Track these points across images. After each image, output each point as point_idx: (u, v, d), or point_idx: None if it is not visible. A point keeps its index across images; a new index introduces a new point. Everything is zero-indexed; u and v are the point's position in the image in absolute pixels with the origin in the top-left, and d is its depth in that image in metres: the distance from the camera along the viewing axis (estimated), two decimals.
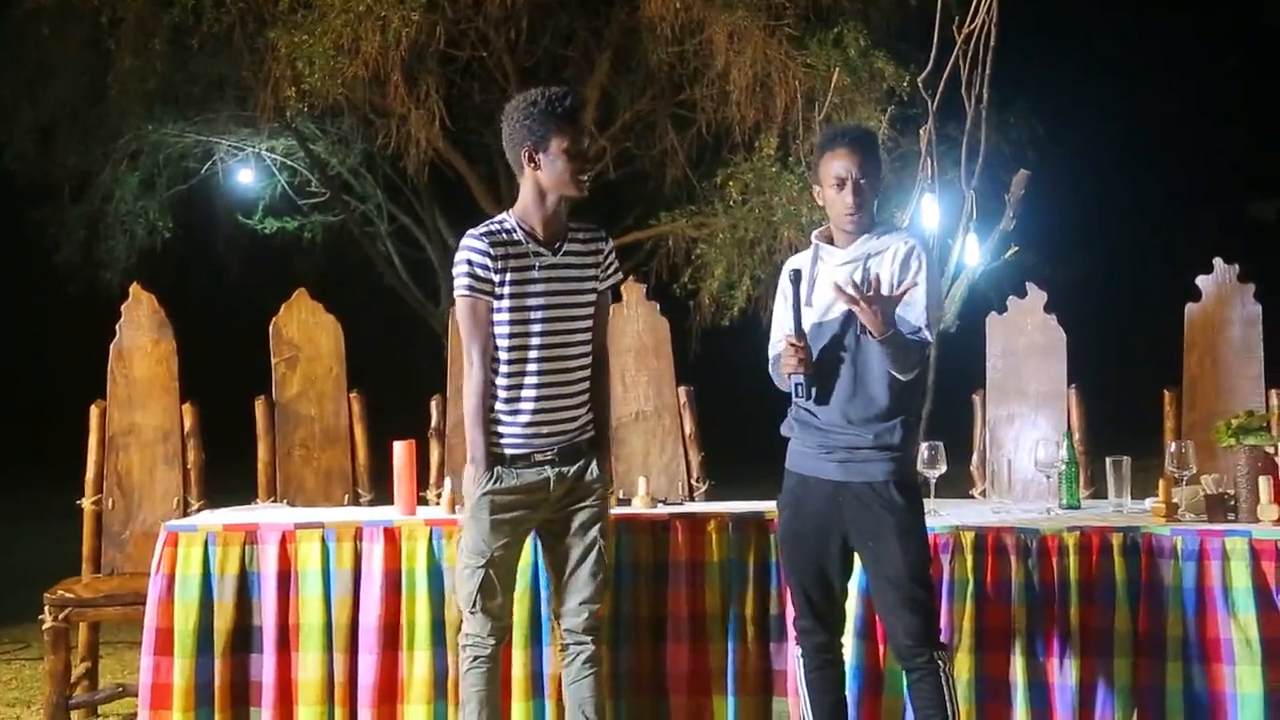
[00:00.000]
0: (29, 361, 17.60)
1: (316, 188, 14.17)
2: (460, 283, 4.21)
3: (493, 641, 4.28)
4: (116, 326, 5.74)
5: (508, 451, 4.25)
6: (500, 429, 4.25)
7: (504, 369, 4.23)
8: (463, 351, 4.27)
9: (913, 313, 4.09)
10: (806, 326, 4.16)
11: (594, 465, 4.33)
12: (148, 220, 13.69)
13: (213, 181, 13.94)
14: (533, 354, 4.23)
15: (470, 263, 4.19)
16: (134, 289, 5.81)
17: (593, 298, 4.33)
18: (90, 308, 10.44)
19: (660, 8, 11.27)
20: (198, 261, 15.25)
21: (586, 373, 4.33)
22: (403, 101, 11.80)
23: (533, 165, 4.22)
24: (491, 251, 4.19)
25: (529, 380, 4.23)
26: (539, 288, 4.22)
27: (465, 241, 4.23)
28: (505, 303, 4.20)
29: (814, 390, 4.12)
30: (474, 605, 4.25)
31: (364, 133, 13.37)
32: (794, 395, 4.13)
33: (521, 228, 4.25)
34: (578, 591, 4.31)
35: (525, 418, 4.24)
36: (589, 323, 4.32)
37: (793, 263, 4.27)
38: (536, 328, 4.22)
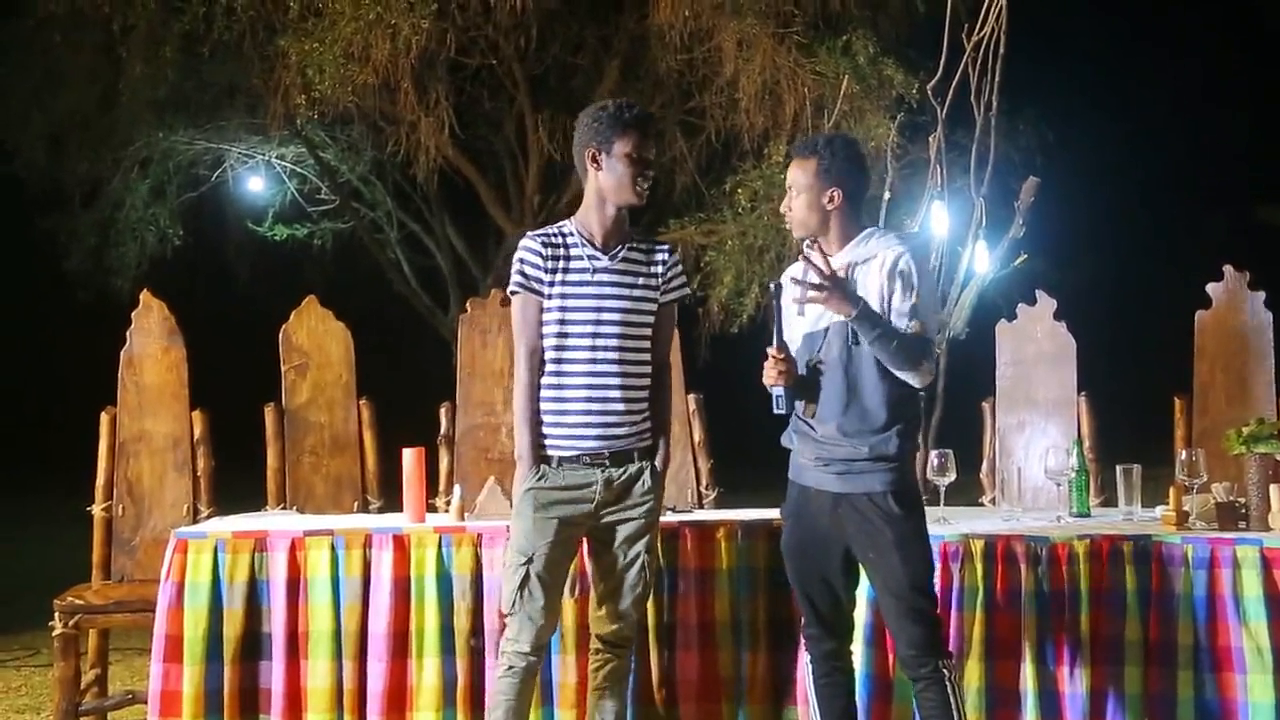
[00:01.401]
0: (39, 368, 17.64)
1: (326, 195, 14.20)
2: (512, 280, 4.30)
3: (527, 649, 4.19)
4: (127, 333, 5.74)
5: (554, 452, 4.26)
6: (546, 429, 4.27)
7: (550, 368, 4.26)
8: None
9: (903, 316, 4.06)
10: (798, 337, 4.18)
11: (646, 476, 4.30)
12: (158, 227, 13.73)
13: (223, 189, 13.97)
14: (580, 355, 4.25)
15: (522, 260, 4.28)
16: (144, 296, 5.82)
17: (651, 308, 4.34)
18: (100, 315, 10.45)
19: (669, 15, 11.28)
20: (208, 268, 15.29)
21: (642, 381, 4.32)
22: (412, 109, 11.82)
23: (595, 166, 4.27)
24: (543, 251, 4.26)
25: (576, 382, 4.25)
26: (590, 290, 4.26)
27: (521, 241, 4.33)
28: (555, 303, 4.25)
29: (795, 403, 4.13)
30: (513, 605, 4.21)
31: (374, 140, 13.40)
32: (774, 408, 4.14)
33: (580, 232, 4.31)
34: (616, 603, 4.29)
35: (571, 419, 4.25)
36: (645, 331, 4.32)
37: (788, 274, 4.29)
38: (586, 329, 4.24)
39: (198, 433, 5.69)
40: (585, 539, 4.38)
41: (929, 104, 6.47)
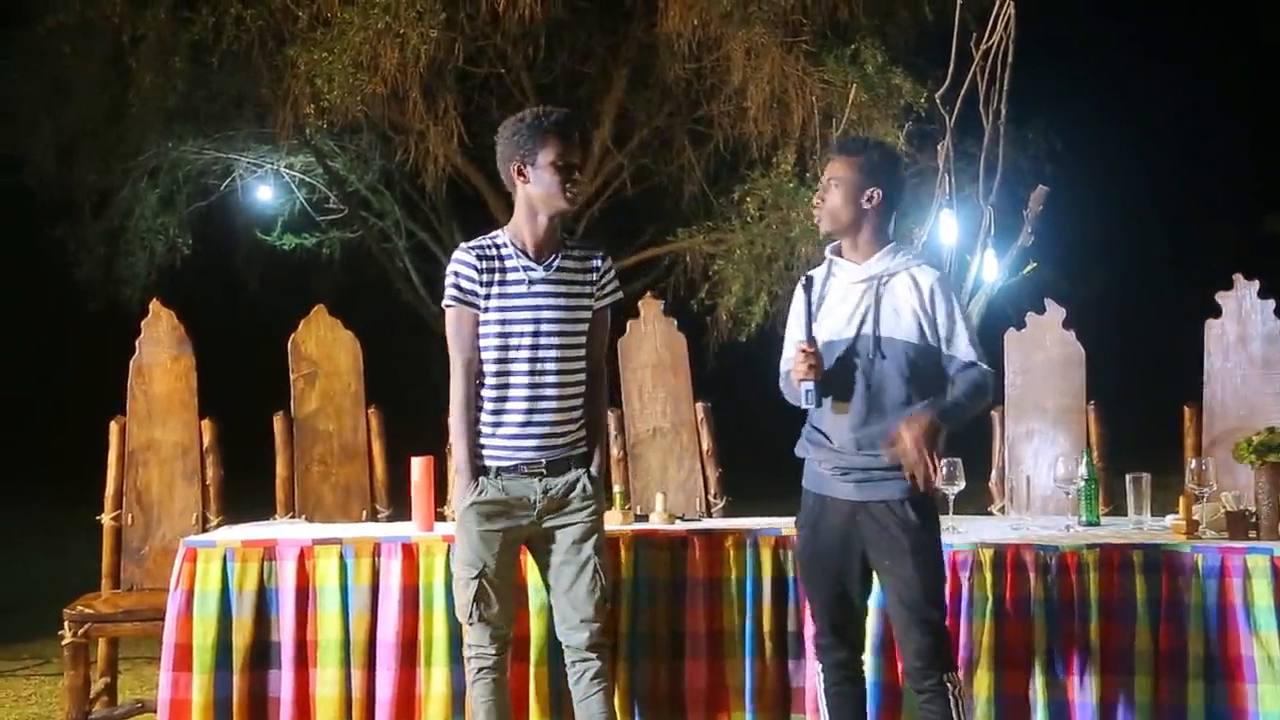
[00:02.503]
0: (48, 377, 17.67)
1: (335, 204, 14.21)
2: (446, 293, 4.31)
3: (494, 651, 4.30)
4: (136, 342, 5.75)
5: (492, 464, 4.30)
6: (484, 440, 4.30)
7: (490, 381, 4.28)
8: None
9: (959, 348, 4.08)
10: (818, 344, 4.15)
11: (584, 481, 4.33)
12: (167, 237, 13.74)
13: (232, 198, 13.99)
14: (518, 367, 4.26)
15: (456, 274, 4.28)
16: (153, 305, 5.83)
17: (586, 315, 4.35)
18: (110, 324, 10.48)
19: (678, 24, 11.29)
20: (217, 278, 15.29)
21: (578, 389, 4.34)
22: (421, 118, 11.84)
23: (522, 179, 4.28)
24: (478, 265, 4.27)
25: (514, 393, 4.27)
26: (526, 302, 4.26)
27: (454, 254, 4.33)
28: (491, 315, 4.26)
29: (824, 399, 4.11)
30: (471, 616, 4.31)
31: (382, 149, 13.42)
32: (804, 401, 4.13)
33: (513, 243, 4.30)
34: (577, 609, 4.32)
35: (510, 430, 4.28)
36: (581, 339, 4.34)
37: (817, 270, 4.28)
38: (524, 341, 4.26)
39: (207, 441, 5.70)
40: (532, 549, 4.43)
41: (937, 113, 6.47)
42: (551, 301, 4.28)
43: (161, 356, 5.74)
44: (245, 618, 4.75)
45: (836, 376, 4.11)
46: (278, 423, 5.70)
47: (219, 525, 5.51)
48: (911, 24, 12.05)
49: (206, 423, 5.72)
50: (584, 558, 4.31)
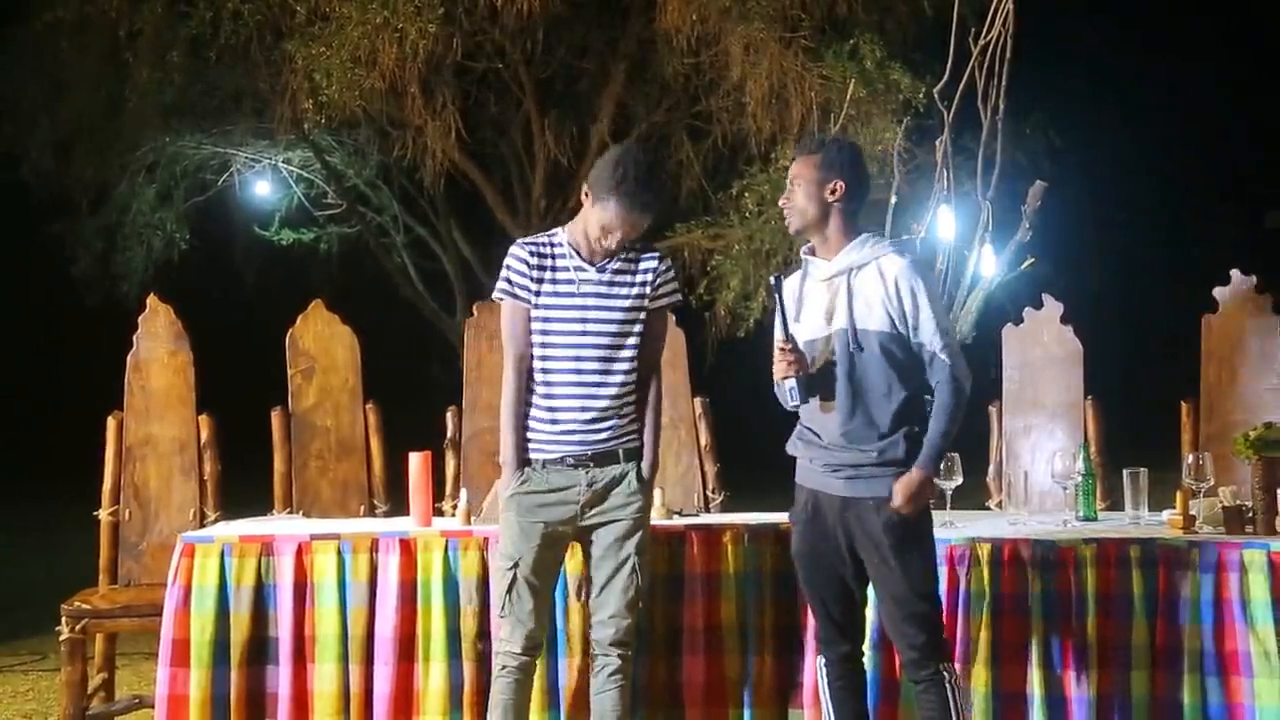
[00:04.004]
0: (46, 372, 17.66)
1: (333, 199, 14.20)
2: (498, 286, 4.38)
3: (519, 649, 4.30)
4: (133, 338, 5.75)
5: (537, 455, 4.33)
6: (531, 434, 4.35)
7: (538, 376, 4.33)
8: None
9: (924, 335, 4.09)
10: (799, 343, 4.17)
11: (631, 477, 4.35)
12: (165, 232, 13.72)
13: (229, 193, 13.98)
14: (564, 366, 4.32)
15: (509, 267, 4.37)
16: (151, 300, 5.83)
17: (639, 316, 4.37)
18: (107, 319, 10.47)
19: (676, 19, 11.26)
20: (214, 273, 15.28)
21: (628, 387, 4.37)
22: (419, 113, 11.82)
23: (588, 200, 4.34)
24: (530, 260, 4.35)
25: (560, 391, 4.32)
26: (575, 302, 4.32)
27: (511, 248, 4.41)
28: (542, 312, 4.32)
29: (809, 395, 4.12)
30: (503, 609, 4.32)
31: (380, 144, 13.40)
32: (789, 399, 4.14)
33: (570, 243, 4.37)
34: (609, 605, 4.33)
35: (557, 426, 4.32)
36: (630, 340, 4.36)
37: (792, 280, 4.32)
38: (569, 340, 4.31)
39: (204, 437, 5.70)
40: (577, 542, 4.43)
41: (936, 108, 6.45)
42: (599, 303, 4.33)
43: (159, 352, 5.74)
44: (243, 613, 4.75)
45: (819, 373, 4.14)
46: (275, 418, 5.70)
47: (217, 521, 5.51)
48: (910, 19, 12.02)
49: (204, 418, 5.72)
50: (624, 555, 4.33)
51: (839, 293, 4.14)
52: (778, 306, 4.21)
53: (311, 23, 11.27)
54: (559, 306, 4.33)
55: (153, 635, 4.97)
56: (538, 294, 4.34)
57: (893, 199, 6.52)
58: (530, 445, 4.36)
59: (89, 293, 13.86)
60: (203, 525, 5.50)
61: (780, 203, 4.30)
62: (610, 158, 4.35)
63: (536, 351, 4.34)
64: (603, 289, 4.34)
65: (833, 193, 4.16)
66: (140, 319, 5.79)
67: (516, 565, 4.30)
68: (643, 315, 4.39)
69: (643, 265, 4.40)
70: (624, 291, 4.36)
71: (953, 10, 6.36)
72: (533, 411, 4.36)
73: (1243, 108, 18.90)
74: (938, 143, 6.49)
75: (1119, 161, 17.43)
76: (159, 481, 5.68)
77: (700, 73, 12.10)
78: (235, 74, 12.46)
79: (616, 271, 4.36)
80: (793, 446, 4.28)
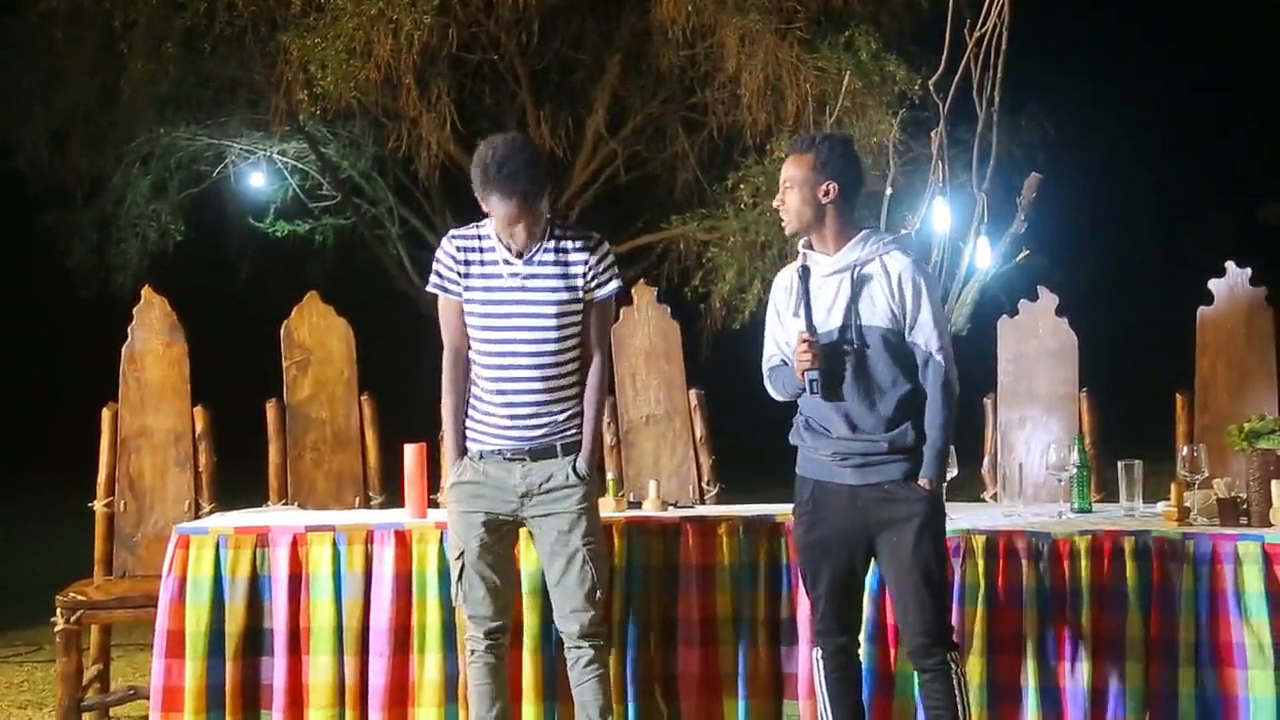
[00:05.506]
0: (40, 365, 17.63)
1: (328, 191, 14.17)
2: (430, 279, 4.41)
3: (480, 634, 4.34)
4: (128, 329, 5.74)
5: (474, 446, 4.35)
6: (469, 425, 4.37)
7: (474, 367, 4.36)
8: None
9: (920, 335, 4.11)
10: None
11: (570, 470, 4.33)
12: (159, 224, 13.69)
13: (224, 185, 13.95)
14: (492, 360, 4.32)
15: (438, 260, 4.40)
16: (146, 292, 5.82)
17: (575, 307, 4.34)
18: (102, 311, 10.44)
19: (671, 11, 11.25)
20: (209, 265, 15.25)
21: (564, 379, 4.35)
22: (414, 105, 11.81)
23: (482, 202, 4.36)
24: (455, 255, 4.36)
25: (497, 380, 4.32)
26: (503, 296, 4.30)
27: (442, 241, 4.44)
28: (474, 305, 4.33)
29: (828, 386, 4.13)
30: (457, 597, 4.39)
31: (375, 136, 13.38)
32: (809, 391, 4.14)
33: (497, 234, 4.36)
34: (568, 600, 4.34)
35: (489, 416, 4.34)
36: (566, 330, 4.33)
37: (783, 274, 4.30)
38: (500, 333, 4.30)
39: (199, 428, 5.70)
40: (533, 539, 4.45)
41: (931, 100, 6.44)
42: (529, 295, 4.30)
43: (154, 343, 5.74)
44: (238, 604, 4.76)
45: (827, 366, 4.13)
46: (270, 410, 5.70)
47: (212, 512, 5.51)
48: (905, 11, 12.02)
49: (199, 409, 5.72)
50: (572, 549, 4.32)
51: (844, 288, 4.15)
52: (802, 294, 4.18)
53: (306, 14, 11.25)
54: (486, 301, 4.32)
55: (148, 626, 4.98)
56: (466, 287, 4.33)
57: (888, 191, 6.51)
58: (468, 436, 4.38)
59: (84, 284, 13.82)
60: (198, 517, 5.50)
61: (774, 205, 4.30)
62: (475, 157, 4.36)
63: (473, 343, 4.35)
64: (531, 281, 4.31)
65: (826, 194, 4.16)
66: (135, 310, 5.78)
67: (462, 555, 4.35)
68: (579, 308, 4.36)
69: (574, 257, 4.35)
70: (554, 284, 4.32)
71: (948, 2, 6.35)
72: (471, 402, 4.38)
73: (1238, 101, 18.91)
74: (933, 135, 6.47)
75: (1114, 154, 17.45)
76: (154, 473, 5.68)
77: (695, 65, 12.10)
78: (230, 65, 12.44)
79: (544, 263, 4.33)
80: (796, 436, 4.28)
